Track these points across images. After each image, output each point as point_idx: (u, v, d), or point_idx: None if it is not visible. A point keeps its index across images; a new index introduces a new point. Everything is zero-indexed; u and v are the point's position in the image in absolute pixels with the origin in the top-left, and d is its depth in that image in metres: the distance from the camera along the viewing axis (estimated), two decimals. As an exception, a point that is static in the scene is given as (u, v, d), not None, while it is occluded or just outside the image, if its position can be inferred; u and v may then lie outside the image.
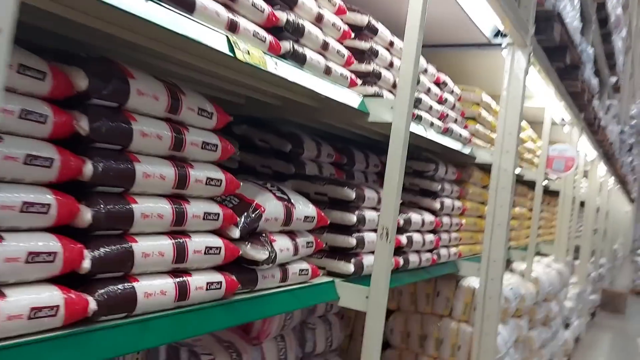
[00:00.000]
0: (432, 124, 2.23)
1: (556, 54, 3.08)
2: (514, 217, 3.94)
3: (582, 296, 6.65)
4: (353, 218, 1.72)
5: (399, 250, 2.07)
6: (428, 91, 2.23)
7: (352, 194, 1.73)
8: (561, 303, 4.83)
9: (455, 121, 2.58)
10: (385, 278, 1.60)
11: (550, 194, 5.55)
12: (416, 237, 2.18)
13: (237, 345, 2.00)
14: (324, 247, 1.74)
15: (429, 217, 2.31)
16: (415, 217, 2.19)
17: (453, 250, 2.65)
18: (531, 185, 4.00)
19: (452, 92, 2.56)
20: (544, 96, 3.63)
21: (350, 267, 1.70)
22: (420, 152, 2.55)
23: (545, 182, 4.84)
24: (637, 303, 10.13)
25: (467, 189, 2.84)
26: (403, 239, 2.07)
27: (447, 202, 2.53)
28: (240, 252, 1.26)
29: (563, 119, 4.53)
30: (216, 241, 1.20)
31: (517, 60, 2.63)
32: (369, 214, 1.81)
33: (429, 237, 2.31)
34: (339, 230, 1.75)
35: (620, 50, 6.97)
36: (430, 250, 2.37)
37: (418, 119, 2.08)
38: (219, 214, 1.21)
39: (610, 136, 6.65)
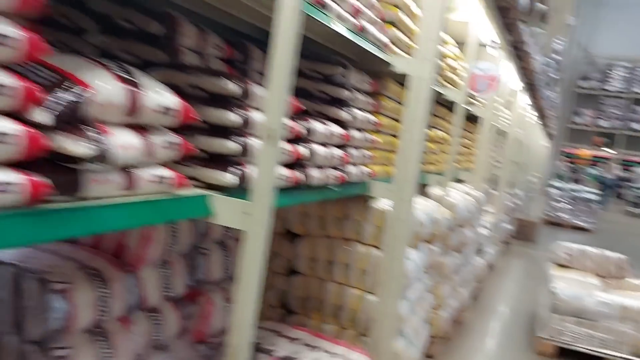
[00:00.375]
0: (342, 18, 1.91)
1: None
2: (434, 140, 3.77)
3: (498, 225, 6.79)
4: (235, 118, 1.40)
5: (298, 164, 1.79)
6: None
7: (236, 88, 1.40)
8: (476, 230, 4.83)
9: (374, 24, 2.27)
10: (269, 190, 1.31)
11: (473, 121, 5.45)
12: (320, 150, 1.91)
13: (104, 273, 1.69)
14: (200, 153, 1.43)
15: (336, 129, 2.03)
16: (319, 126, 1.91)
17: (365, 169, 2.40)
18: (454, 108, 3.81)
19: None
20: (470, 8, 3.37)
21: (229, 178, 1.40)
22: (330, 55, 2.23)
23: (468, 107, 4.69)
24: (546, 231, 10.64)
25: (382, 103, 2.57)
26: (304, 150, 1.78)
27: (359, 114, 2.25)
28: (53, 145, 0.92)
29: (492, 41, 4.33)
30: (7, 126, 0.85)
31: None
32: (259, 117, 1.50)
33: (337, 151, 2.04)
34: (218, 133, 1.43)
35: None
36: (338, 167, 2.11)
37: (323, 6, 1.74)
38: (11, 87, 0.85)
39: (535, 65, 6.60)
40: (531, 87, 7.59)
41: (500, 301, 5.67)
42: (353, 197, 2.64)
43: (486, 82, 3.75)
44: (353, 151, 2.26)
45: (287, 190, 1.74)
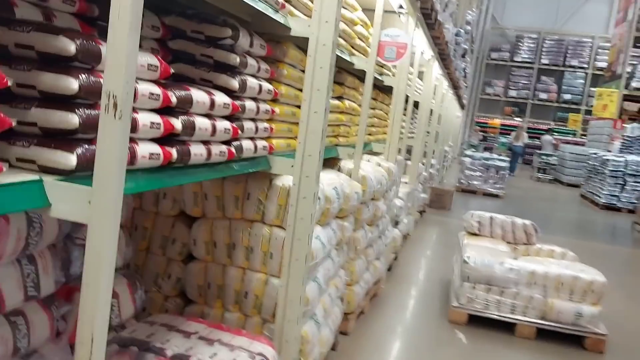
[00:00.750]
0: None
1: None
2: (344, 111, 3.60)
3: (413, 195, 6.81)
4: (74, 84, 1.13)
5: (171, 138, 1.54)
6: None
7: (71, 47, 1.12)
8: (390, 202, 4.76)
9: (264, -21, 2.02)
10: (117, 173, 1.06)
11: (386, 91, 5.35)
12: (201, 122, 1.66)
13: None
14: (34, 130, 1.15)
15: (222, 98, 1.79)
16: (199, 95, 1.65)
17: (261, 143, 2.18)
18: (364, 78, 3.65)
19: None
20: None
21: (71, 160, 1.13)
22: (218, 16, 1.97)
23: (380, 77, 4.57)
24: (460, 199, 10.94)
25: (281, 70, 2.35)
26: (177, 123, 1.53)
27: (252, 82, 2.02)
28: None
29: (401, 6, 4.19)
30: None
31: None
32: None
33: (223, 124, 1.80)
34: (54, 104, 1.15)
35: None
36: (227, 142, 1.88)
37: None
38: None
39: (447, 35, 6.58)
40: (443, 57, 7.62)
41: (415, 271, 5.69)
42: (253, 175, 2.42)
43: (394, 49, 3.61)
44: (246, 124, 2.03)
45: (160, 169, 1.49)
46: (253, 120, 2.10)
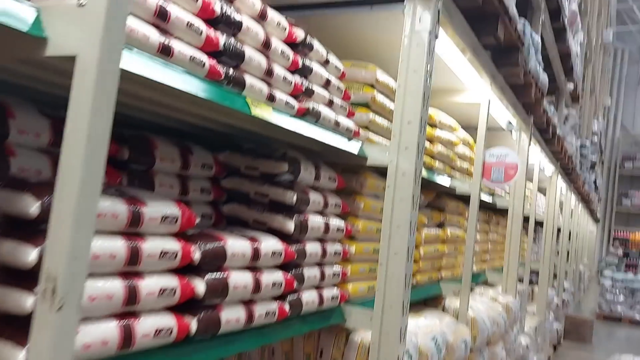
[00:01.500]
0: (270, 97, 1.42)
1: (483, 24, 2.32)
2: (447, 240, 3.15)
3: (542, 328, 5.89)
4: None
5: (194, 303, 1.23)
6: (267, 47, 1.42)
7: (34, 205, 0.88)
8: (512, 344, 4.03)
9: (331, 105, 1.78)
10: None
11: (501, 213, 4.81)
12: (238, 278, 1.34)
13: None
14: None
15: (271, 245, 1.47)
16: (237, 245, 1.35)
17: (330, 292, 1.81)
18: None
19: (324, 61, 1.76)
20: (479, 88, 2.87)
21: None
22: (278, 149, 1.72)
23: (490, 198, 4.08)
24: (602, 329, 9.45)
25: (357, 202, 2.02)
26: (200, 285, 1.22)
27: (315, 220, 1.70)
28: None
29: (510, 122, 3.79)
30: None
31: (420, 18, 1.84)
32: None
33: (272, 276, 1.46)
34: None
35: (577, 55, 6.36)
36: (280, 297, 1.53)
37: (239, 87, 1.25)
38: None
39: (569, 149, 5.98)
40: (568, 172, 6.92)
41: None
42: (327, 328, 2.02)
43: (502, 169, 3.16)
44: (309, 271, 1.68)
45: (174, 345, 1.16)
46: (319, 265, 1.75)
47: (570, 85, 6.38)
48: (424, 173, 2.53)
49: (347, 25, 2.17)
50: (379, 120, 2.08)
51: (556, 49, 5.17)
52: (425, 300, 3.08)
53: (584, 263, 14.98)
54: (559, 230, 7.94)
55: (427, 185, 2.81)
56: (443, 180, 2.81)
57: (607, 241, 22.70)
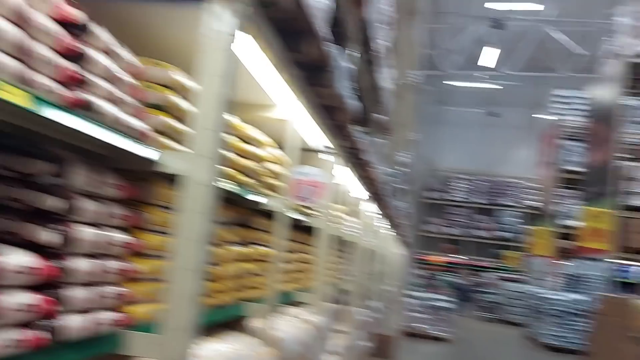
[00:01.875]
0: (27, 81, 1.18)
1: (291, 37, 2.30)
2: (258, 259, 3.06)
3: (352, 346, 6.10)
4: None
5: None
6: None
7: None
8: (319, 363, 4.06)
9: (119, 102, 1.58)
10: None
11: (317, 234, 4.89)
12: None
13: None
14: None
15: (18, 260, 1.21)
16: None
17: (106, 316, 1.57)
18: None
19: (112, 52, 1.56)
20: (289, 104, 2.86)
21: None
22: (44, 148, 1.46)
23: (303, 218, 4.11)
24: (406, 345, 10.18)
25: (147, 214, 1.82)
26: None
27: (86, 232, 1.46)
28: None
29: (325, 146, 3.87)
30: None
31: (220, 20, 1.73)
32: None
33: (18, 298, 1.20)
34: None
35: (388, 89, 6.87)
36: (29, 325, 1.27)
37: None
38: None
39: (378, 175, 6.37)
40: (377, 197, 7.38)
41: None
42: (105, 357, 1.76)
43: (311, 189, 3.19)
44: (76, 292, 1.43)
45: None
46: (91, 284, 1.51)
47: (381, 117, 6.85)
48: (234, 189, 2.42)
49: (149, 22, 1.99)
50: (177, 125, 1.92)
51: (369, 81, 5.50)
52: (230, 322, 2.94)
53: (392, 283, 16.16)
54: (372, 251, 8.41)
55: (237, 202, 2.70)
56: (253, 197, 2.72)
57: (413, 263, 24.83)
